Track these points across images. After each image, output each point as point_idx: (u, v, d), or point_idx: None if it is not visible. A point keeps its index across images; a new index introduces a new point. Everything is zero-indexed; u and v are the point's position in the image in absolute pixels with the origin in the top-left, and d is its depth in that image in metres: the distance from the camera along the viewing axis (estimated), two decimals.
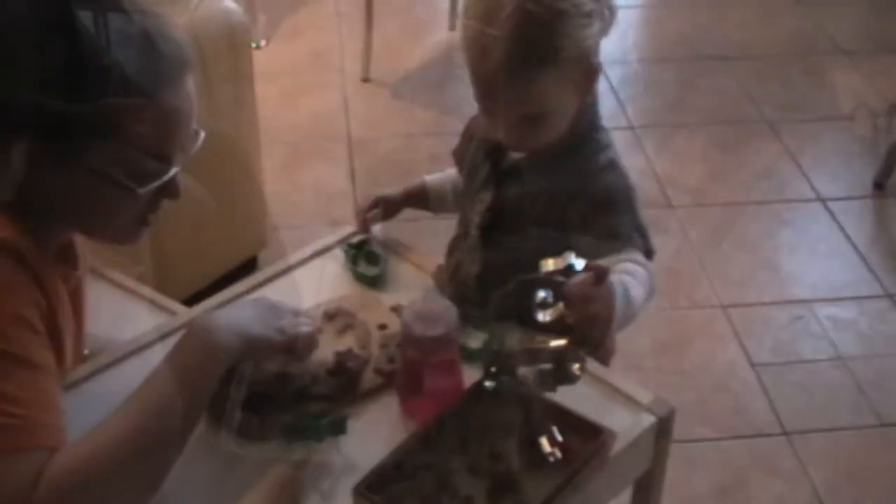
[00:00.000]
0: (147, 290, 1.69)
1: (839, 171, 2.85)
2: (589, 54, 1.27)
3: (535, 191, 1.33)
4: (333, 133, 2.95)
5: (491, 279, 1.33)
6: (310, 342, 1.23)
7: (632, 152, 2.88)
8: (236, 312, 1.25)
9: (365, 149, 2.87)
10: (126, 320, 1.56)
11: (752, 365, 2.24)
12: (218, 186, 2.17)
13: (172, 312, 1.52)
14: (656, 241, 2.36)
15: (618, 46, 3.36)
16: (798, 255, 2.57)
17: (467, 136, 1.43)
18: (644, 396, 1.26)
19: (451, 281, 1.44)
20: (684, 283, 2.47)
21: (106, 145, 1.08)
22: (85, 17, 1.05)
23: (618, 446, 1.19)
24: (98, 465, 1.05)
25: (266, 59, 3.08)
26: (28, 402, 1.04)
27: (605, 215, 1.30)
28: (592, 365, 1.26)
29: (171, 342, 1.30)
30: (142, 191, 1.10)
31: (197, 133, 1.16)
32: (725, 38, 3.45)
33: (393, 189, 1.52)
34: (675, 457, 2.03)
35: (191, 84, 1.13)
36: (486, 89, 1.27)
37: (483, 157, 1.38)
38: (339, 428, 1.19)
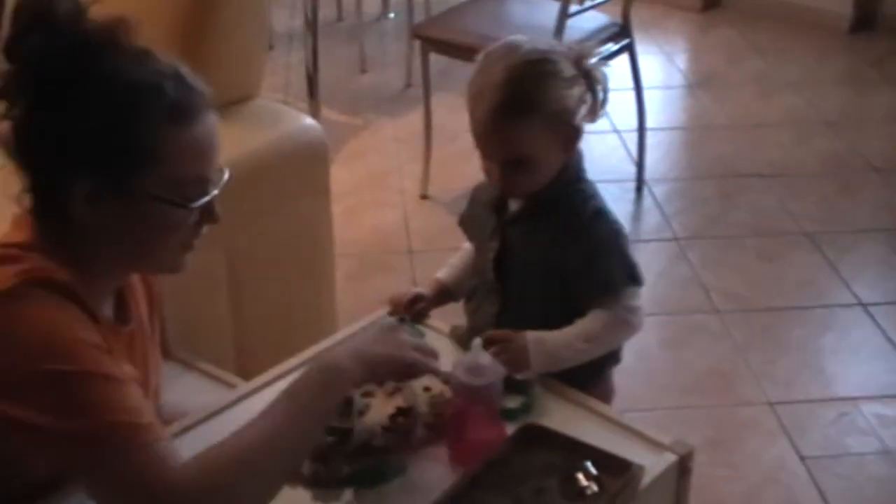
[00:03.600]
0: (219, 371, 1.88)
1: (878, 279, 2.99)
2: (569, 114, 1.50)
3: (534, 236, 1.55)
4: (395, 247, 3.14)
5: (509, 316, 1.57)
6: (432, 351, 1.37)
7: (677, 262, 3.04)
8: (355, 340, 1.39)
9: (425, 261, 3.05)
10: (204, 395, 1.75)
11: (802, 458, 2.33)
12: (296, 292, 2.35)
13: (228, 383, 1.76)
14: (702, 344, 2.53)
15: (661, 165, 3.55)
16: (841, 356, 2.69)
17: (474, 202, 1.65)
18: (665, 438, 1.41)
19: (470, 319, 1.65)
20: (731, 383, 2.58)
21: (157, 171, 1.23)
22: (129, 59, 1.23)
23: (645, 481, 1.33)
24: (236, 466, 1.19)
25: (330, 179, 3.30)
26: (122, 409, 1.17)
27: (598, 265, 1.52)
28: (615, 413, 1.48)
29: (233, 409, 1.50)
30: (192, 206, 1.25)
31: (222, 170, 1.31)
32: (762, 157, 3.64)
33: (423, 290, 1.70)
34: None
35: (215, 119, 1.28)
36: (479, 132, 1.51)
37: (489, 212, 1.60)
38: (401, 469, 1.36)
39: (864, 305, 2.85)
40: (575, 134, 1.53)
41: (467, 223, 1.69)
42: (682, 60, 4.42)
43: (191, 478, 1.17)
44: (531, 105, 1.47)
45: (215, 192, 1.30)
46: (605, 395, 1.64)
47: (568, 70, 1.50)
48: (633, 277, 1.53)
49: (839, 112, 3.97)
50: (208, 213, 1.30)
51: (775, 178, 3.50)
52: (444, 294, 1.71)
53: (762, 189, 3.44)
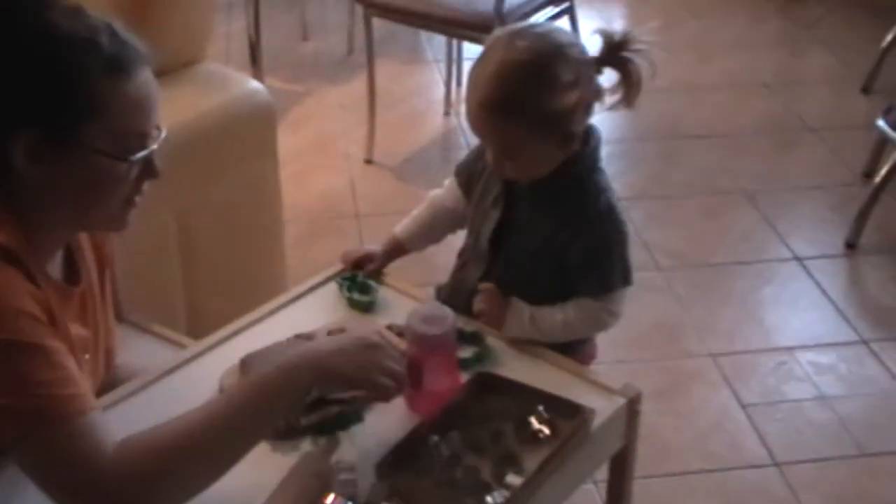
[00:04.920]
0: (172, 333, 1.90)
1: (813, 234, 3.08)
2: (561, 118, 1.47)
3: (541, 217, 1.55)
4: (342, 211, 3.16)
5: (490, 283, 1.58)
6: (386, 393, 1.33)
7: None
8: (328, 345, 1.34)
9: (372, 224, 3.08)
10: (157, 357, 1.75)
11: (743, 406, 2.42)
12: (246, 255, 2.37)
13: (181, 345, 1.75)
14: (646, 300, 2.60)
15: (601, 127, 3.58)
16: (779, 308, 2.77)
17: (482, 156, 1.62)
18: (615, 383, 1.48)
19: (452, 277, 1.68)
20: (674, 336, 2.65)
21: (97, 124, 1.23)
22: (63, 14, 1.23)
23: (596, 423, 1.39)
24: (168, 452, 1.19)
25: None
26: (49, 381, 1.17)
27: (600, 264, 1.53)
28: (571, 363, 1.53)
29: (184, 369, 1.53)
30: (133, 159, 1.26)
31: (160, 128, 1.32)
32: (702, 119, 3.72)
33: (375, 248, 1.73)
34: (676, 487, 2.22)
35: (151, 75, 1.29)
36: (470, 119, 1.51)
37: (496, 179, 1.60)
38: (357, 417, 1.40)
39: (799, 260, 2.95)
40: (569, 136, 1.49)
41: (464, 176, 1.67)
42: (620, 25, 4.47)
43: (122, 461, 1.17)
44: (516, 108, 1.45)
45: (154, 146, 1.30)
46: (584, 360, 1.67)
47: (567, 73, 1.45)
48: (626, 279, 1.55)
49: (775, 74, 4.06)
50: (148, 168, 1.31)
51: (714, 139, 3.58)
52: (396, 249, 1.73)
53: (701, 149, 3.52)
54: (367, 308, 1.64)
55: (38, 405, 1.17)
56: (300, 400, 1.29)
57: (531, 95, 1.45)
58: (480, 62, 1.49)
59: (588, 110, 1.51)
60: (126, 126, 1.26)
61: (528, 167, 1.52)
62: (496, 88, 1.45)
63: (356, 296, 1.66)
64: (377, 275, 1.70)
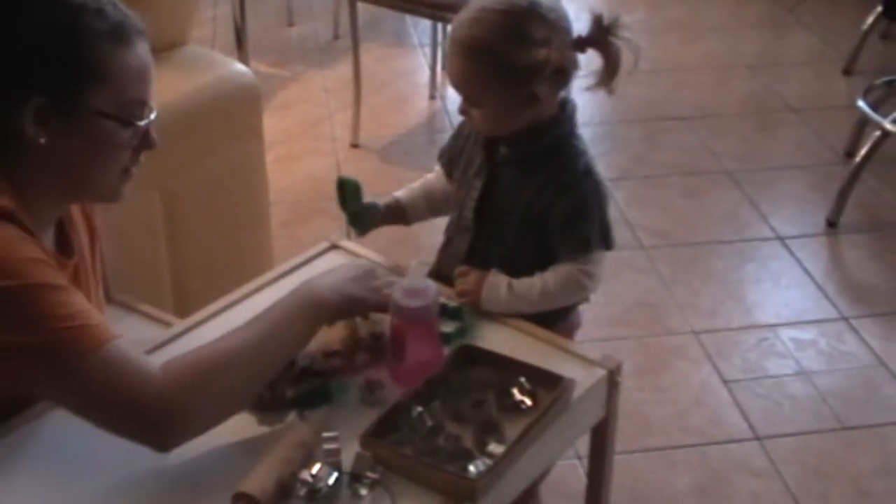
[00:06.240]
0: (159, 312, 1.92)
1: (794, 213, 3.11)
2: (528, 74, 1.50)
3: (522, 182, 1.58)
4: (328, 193, 3.15)
5: (477, 255, 1.62)
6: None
7: None
8: (337, 274, 1.47)
9: None
10: (145, 332, 1.78)
11: (725, 381, 2.45)
12: (233, 235, 2.39)
13: (170, 324, 1.76)
14: (629, 278, 2.62)
15: (586, 109, 3.60)
16: (761, 286, 2.81)
17: (462, 134, 1.68)
18: (595, 354, 1.50)
19: (440, 253, 1.70)
20: (658, 314, 2.68)
21: (102, 89, 1.28)
22: None
23: (576, 393, 1.41)
24: (212, 365, 1.26)
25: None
26: (76, 314, 1.22)
27: (578, 224, 1.56)
28: (552, 335, 1.55)
29: (172, 346, 1.53)
30: (138, 123, 1.32)
31: (151, 108, 1.36)
32: (685, 100, 3.74)
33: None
34: (659, 461, 2.26)
35: (148, 48, 1.33)
36: (447, 55, 1.57)
37: (478, 150, 1.63)
38: (342, 390, 1.42)
39: (781, 239, 2.98)
40: (533, 96, 1.52)
41: (446, 157, 1.71)
42: (604, 7, 4.49)
43: (171, 377, 1.22)
44: (481, 52, 1.50)
45: (152, 116, 1.35)
46: (569, 330, 1.71)
47: (538, 31, 1.50)
48: (605, 241, 1.58)
49: (758, 55, 4.09)
50: (147, 138, 1.36)
51: (697, 120, 3.61)
52: (397, 212, 1.74)
53: (685, 130, 3.55)
54: None
55: (72, 336, 1.20)
56: (322, 322, 1.40)
57: (498, 43, 1.50)
58: (467, 9, 1.55)
59: (559, 77, 1.54)
60: (129, 93, 1.31)
61: (492, 119, 1.56)
62: (467, 31, 1.51)
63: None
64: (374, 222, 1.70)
